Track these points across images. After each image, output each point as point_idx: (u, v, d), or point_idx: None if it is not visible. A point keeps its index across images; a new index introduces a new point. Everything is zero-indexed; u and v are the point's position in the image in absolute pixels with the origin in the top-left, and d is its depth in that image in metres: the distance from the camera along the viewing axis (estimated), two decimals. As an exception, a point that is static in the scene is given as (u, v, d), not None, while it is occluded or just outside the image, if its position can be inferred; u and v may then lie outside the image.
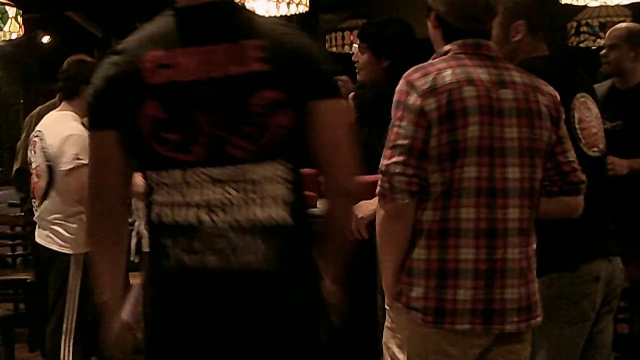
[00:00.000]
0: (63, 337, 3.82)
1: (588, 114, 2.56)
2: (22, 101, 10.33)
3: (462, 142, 2.02)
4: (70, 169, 3.74)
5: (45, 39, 10.02)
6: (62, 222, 3.84)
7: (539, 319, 2.16)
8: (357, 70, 3.30)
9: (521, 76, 2.14)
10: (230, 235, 1.77)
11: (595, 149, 2.57)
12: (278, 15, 4.39)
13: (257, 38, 1.77)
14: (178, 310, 1.82)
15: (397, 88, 2.09)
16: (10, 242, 5.90)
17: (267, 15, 4.30)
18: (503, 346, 2.12)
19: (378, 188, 2.09)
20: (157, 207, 1.84)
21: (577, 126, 2.51)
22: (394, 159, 2.04)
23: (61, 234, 3.83)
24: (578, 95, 2.54)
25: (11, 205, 6.26)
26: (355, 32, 6.57)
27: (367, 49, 3.23)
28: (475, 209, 2.03)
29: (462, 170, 2.02)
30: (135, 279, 4.89)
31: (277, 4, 4.27)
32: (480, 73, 2.07)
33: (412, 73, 2.09)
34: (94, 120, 1.94)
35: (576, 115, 2.51)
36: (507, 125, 2.06)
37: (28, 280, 5.05)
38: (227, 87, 1.75)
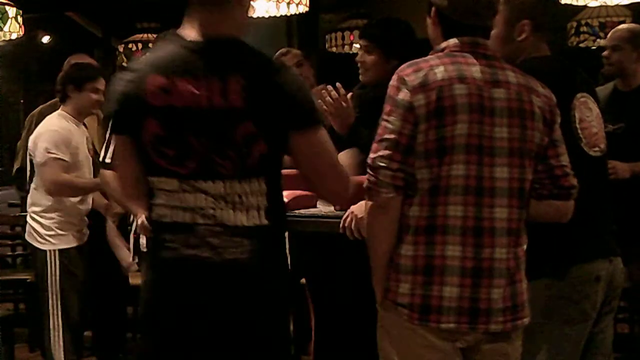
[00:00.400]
0: (52, 334, 3.83)
1: (589, 113, 2.55)
2: (22, 101, 10.33)
3: (450, 139, 2.02)
4: (42, 163, 3.79)
5: (45, 39, 10.01)
6: (38, 218, 3.86)
7: (527, 319, 2.16)
8: (361, 71, 3.27)
9: (516, 76, 2.13)
10: (221, 235, 2.12)
11: (597, 148, 2.56)
12: (278, 15, 4.38)
13: (240, 75, 2.05)
14: (175, 292, 2.15)
15: (390, 83, 2.11)
16: (10, 242, 5.90)
17: (267, 15, 4.30)
18: (491, 346, 2.12)
19: (365, 182, 2.11)
20: (158, 208, 2.17)
21: (577, 126, 2.50)
22: (380, 153, 2.07)
23: (37, 230, 3.86)
24: (578, 95, 2.53)
25: (11, 205, 6.26)
26: (356, 32, 6.57)
27: (374, 49, 3.21)
28: (462, 207, 2.05)
29: (450, 168, 2.03)
30: (136, 279, 4.91)
31: (277, 4, 4.26)
32: (474, 71, 2.08)
33: (405, 68, 2.10)
34: (113, 126, 2.30)
35: (577, 115, 2.50)
36: (497, 124, 2.06)
37: (28, 280, 5.04)
38: (212, 118, 2.06)
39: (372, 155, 2.10)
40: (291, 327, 2.42)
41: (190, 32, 2.13)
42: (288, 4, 4.28)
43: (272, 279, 2.19)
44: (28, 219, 3.95)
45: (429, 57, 2.14)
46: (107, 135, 3.52)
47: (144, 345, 2.34)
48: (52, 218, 3.87)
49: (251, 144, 2.07)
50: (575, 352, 2.51)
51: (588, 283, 2.48)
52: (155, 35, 7.31)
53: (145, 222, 2.60)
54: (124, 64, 7.53)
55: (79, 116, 4.01)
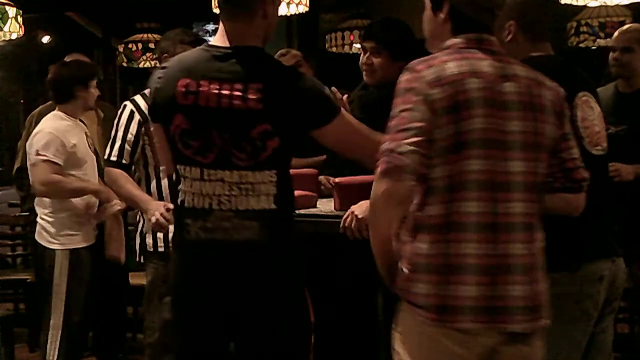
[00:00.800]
0: (50, 332, 3.84)
1: (590, 112, 2.55)
2: (22, 101, 10.32)
3: (467, 134, 1.99)
4: (31, 164, 3.80)
5: (45, 39, 10.00)
6: (48, 218, 3.87)
7: (547, 321, 2.10)
8: (367, 73, 3.24)
9: (525, 70, 2.11)
10: (234, 219, 2.43)
11: (599, 147, 2.56)
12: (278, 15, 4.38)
13: (258, 82, 2.37)
14: (195, 271, 2.50)
15: (402, 78, 2.07)
16: (10, 242, 5.90)
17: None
18: (510, 348, 2.06)
19: (382, 167, 1.99)
20: (182, 194, 2.49)
21: (580, 125, 2.50)
22: (408, 140, 1.97)
23: (47, 229, 3.86)
24: (580, 94, 2.53)
25: (11, 205, 6.26)
26: (356, 32, 6.56)
27: (382, 50, 3.19)
28: (478, 202, 2.00)
29: (467, 163, 1.99)
30: (135, 279, 4.91)
31: (277, 4, 4.26)
32: (484, 66, 2.05)
33: (417, 64, 2.07)
34: (151, 115, 2.64)
35: (579, 113, 2.50)
36: (510, 118, 2.03)
37: (28, 280, 5.05)
38: (232, 117, 2.39)
39: (393, 143, 2.00)
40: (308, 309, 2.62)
41: (219, 40, 2.48)
42: (288, 4, 4.28)
43: (281, 256, 2.46)
44: (38, 219, 3.95)
45: (437, 54, 2.10)
46: (113, 133, 3.53)
47: (175, 320, 2.68)
48: (63, 218, 3.87)
49: (266, 140, 2.39)
50: (577, 352, 2.51)
51: (591, 283, 2.47)
52: (155, 35, 7.33)
53: (161, 219, 3.10)
54: (124, 64, 7.54)
55: (78, 114, 4.02)
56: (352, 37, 6.64)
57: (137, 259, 3.66)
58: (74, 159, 3.90)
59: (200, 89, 2.40)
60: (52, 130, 3.86)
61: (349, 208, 2.80)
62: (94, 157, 4.12)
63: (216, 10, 4.07)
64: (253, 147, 2.40)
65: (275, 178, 2.44)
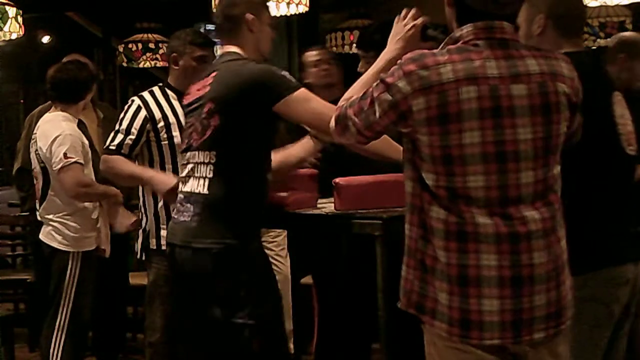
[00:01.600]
0: (55, 333, 3.84)
1: (626, 111, 2.47)
2: (22, 101, 10.32)
3: (457, 149, 1.90)
4: (60, 168, 3.78)
5: (45, 39, 10.01)
6: (63, 221, 3.86)
7: (569, 322, 2.03)
8: None
9: (538, 63, 1.96)
10: (182, 201, 2.80)
11: (632, 147, 2.48)
12: (278, 15, 4.38)
13: (215, 71, 2.79)
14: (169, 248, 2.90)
15: (390, 70, 1.99)
16: (10, 242, 5.90)
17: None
18: (535, 353, 1.98)
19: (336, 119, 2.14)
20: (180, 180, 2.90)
21: (618, 121, 2.40)
22: (356, 119, 2.05)
23: (62, 231, 3.86)
24: (615, 93, 2.45)
25: (11, 205, 6.26)
26: (356, 32, 6.57)
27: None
28: (490, 216, 1.91)
29: (467, 179, 1.91)
30: (135, 279, 4.91)
31: (277, 4, 4.26)
32: (489, 67, 1.91)
33: (409, 62, 1.95)
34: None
35: (617, 110, 2.41)
36: (519, 125, 1.91)
37: (28, 280, 5.05)
38: (196, 104, 2.81)
39: (344, 111, 2.11)
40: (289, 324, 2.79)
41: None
42: (288, 4, 4.28)
43: (208, 242, 2.68)
44: (49, 222, 3.92)
45: (438, 50, 1.98)
46: (117, 126, 3.52)
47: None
48: (76, 221, 3.87)
49: (209, 118, 2.71)
50: (598, 356, 2.43)
51: (619, 286, 2.39)
52: (155, 36, 7.33)
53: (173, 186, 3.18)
54: (124, 64, 7.54)
55: (78, 115, 4.02)
56: (352, 37, 6.64)
57: (139, 257, 3.65)
58: (86, 159, 3.92)
59: (192, 88, 2.91)
60: (72, 132, 3.85)
61: (349, 208, 2.80)
62: (96, 155, 4.12)
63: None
64: (201, 126, 2.74)
65: (214, 160, 2.70)
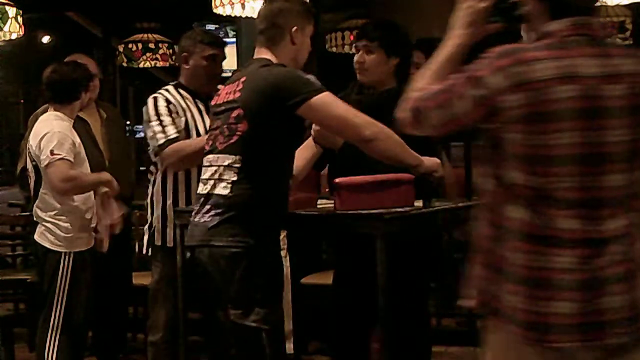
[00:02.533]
0: (49, 334, 3.83)
1: None
2: (22, 101, 10.34)
3: (548, 149, 1.82)
4: (47, 165, 3.79)
5: (45, 39, 10.02)
6: (54, 220, 3.86)
7: None
8: (359, 72, 3.26)
9: (631, 62, 1.87)
10: (204, 202, 2.78)
11: None
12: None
13: (244, 76, 2.78)
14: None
15: (479, 64, 1.89)
16: (10, 242, 5.89)
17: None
18: None
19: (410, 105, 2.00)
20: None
21: None
22: (433, 114, 1.93)
23: (53, 231, 3.86)
24: None
25: (11, 205, 6.26)
26: (356, 32, 6.56)
27: (377, 48, 3.21)
28: (575, 220, 1.85)
29: (556, 180, 1.83)
30: (136, 279, 4.90)
31: (277, 4, 4.26)
32: (585, 66, 1.82)
33: (502, 56, 1.85)
34: None
35: None
36: (613, 127, 1.83)
37: (28, 280, 5.05)
38: (224, 107, 2.81)
39: (422, 102, 1.96)
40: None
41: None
42: (288, 3, 4.27)
43: (228, 241, 2.68)
44: (41, 221, 3.93)
45: (533, 45, 1.88)
46: (155, 119, 3.47)
47: None
48: (68, 221, 3.87)
49: (237, 124, 2.71)
50: None
51: None
52: (155, 36, 7.33)
53: None
54: (124, 64, 7.54)
55: (74, 115, 4.02)
56: (352, 37, 6.63)
57: (145, 252, 3.66)
58: (79, 159, 3.91)
59: (221, 90, 2.93)
60: (61, 130, 3.86)
61: (349, 208, 2.80)
62: (100, 155, 4.12)
63: (216, 11, 4.08)
64: (229, 129, 2.74)
65: (239, 164, 2.70)
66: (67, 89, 3.97)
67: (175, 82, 3.68)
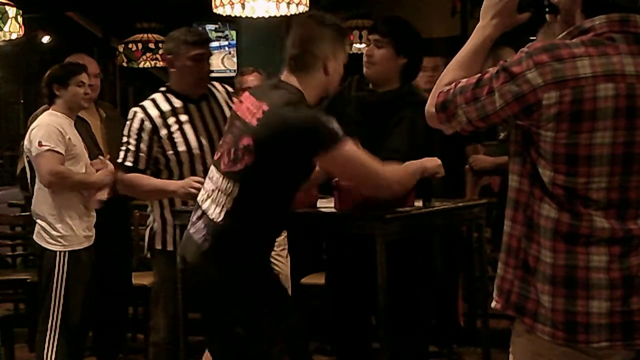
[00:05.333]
0: (47, 334, 3.83)
1: None
2: (22, 101, 10.34)
3: (585, 148, 1.78)
4: (35, 156, 3.80)
5: (45, 39, 10.02)
6: (49, 220, 3.86)
7: None
8: (366, 65, 3.24)
9: None
10: (201, 218, 2.71)
11: None
12: (278, 15, 4.38)
13: (266, 103, 2.61)
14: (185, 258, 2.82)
15: (516, 59, 1.82)
16: (10, 242, 5.89)
17: (267, 15, 4.30)
18: None
19: (438, 105, 1.94)
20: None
21: None
22: (464, 109, 1.87)
23: (48, 230, 3.86)
24: None
25: (11, 205, 6.26)
26: (356, 32, 6.57)
27: (387, 44, 3.20)
28: (606, 219, 1.81)
29: (590, 180, 1.80)
30: (136, 279, 4.89)
31: (277, 4, 4.25)
32: (626, 64, 1.77)
33: (541, 52, 1.79)
34: None
35: None
36: None
37: (28, 280, 5.04)
38: (240, 125, 2.68)
39: (451, 97, 1.91)
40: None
41: None
42: (288, 4, 4.27)
43: (216, 268, 2.65)
44: (38, 219, 3.94)
45: (572, 41, 1.82)
46: (125, 139, 3.44)
47: None
48: (63, 219, 3.87)
49: (245, 153, 2.60)
50: None
51: None
52: (155, 36, 7.33)
53: (191, 189, 3.21)
54: (124, 64, 7.54)
55: (69, 112, 4.01)
56: (352, 37, 6.64)
57: (145, 254, 3.65)
58: (71, 154, 3.90)
59: (242, 104, 2.75)
60: (50, 122, 3.87)
61: (349, 208, 2.80)
62: (100, 154, 4.13)
63: (216, 11, 4.08)
64: (235, 155, 2.64)
65: (236, 192, 2.61)
66: (45, 90, 3.99)
67: (166, 86, 3.59)
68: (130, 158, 3.41)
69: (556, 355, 1.84)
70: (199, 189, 3.06)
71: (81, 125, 4.13)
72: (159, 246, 3.53)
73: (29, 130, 3.93)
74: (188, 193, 3.24)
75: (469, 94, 1.88)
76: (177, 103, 3.48)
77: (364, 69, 3.26)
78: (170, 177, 3.45)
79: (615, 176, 1.80)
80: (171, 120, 3.44)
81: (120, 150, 3.47)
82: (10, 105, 10.39)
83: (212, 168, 2.77)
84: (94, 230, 4.00)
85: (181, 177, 3.41)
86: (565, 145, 1.78)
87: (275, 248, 4.55)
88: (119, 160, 3.46)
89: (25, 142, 3.94)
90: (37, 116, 4.25)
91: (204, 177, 3.00)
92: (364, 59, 3.25)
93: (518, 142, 1.90)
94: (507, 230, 1.93)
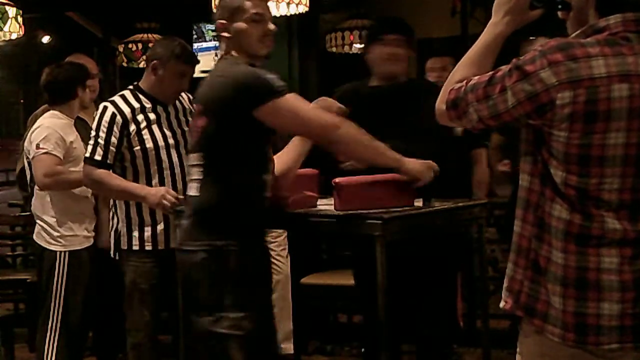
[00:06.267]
0: (47, 334, 3.83)
1: None
2: (22, 101, 10.33)
3: (598, 149, 1.76)
4: (32, 158, 3.80)
5: (45, 39, 10.01)
6: (48, 220, 3.86)
7: None
8: (395, 63, 3.37)
9: None
10: (185, 204, 2.85)
11: None
12: (278, 15, 4.38)
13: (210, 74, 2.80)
14: None
15: (529, 57, 1.80)
16: (10, 242, 5.90)
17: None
18: None
19: (449, 102, 1.93)
20: None
21: None
22: (476, 106, 1.85)
23: (48, 231, 3.86)
24: None
25: (11, 205, 6.26)
26: (356, 32, 6.56)
27: (405, 42, 3.40)
28: (618, 220, 1.80)
29: (602, 181, 1.78)
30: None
31: (277, 4, 4.26)
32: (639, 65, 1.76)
33: (555, 51, 1.77)
34: None
35: None
36: None
37: (28, 280, 5.05)
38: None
39: (463, 95, 1.89)
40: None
41: None
42: (288, 4, 4.28)
43: (197, 245, 2.67)
44: (38, 219, 3.94)
45: (586, 40, 1.80)
46: (94, 133, 3.44)
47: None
48: (63, 219, 3.87)
49: (198, 120, 2.74)
50: None
51: None
52: (155, 36, 7.32)
53: (164, 201, 3.25)
54: (124, 64, 7.53)
55: (72, 113, 4.02)
56: (352, 37, 6.63)
57: (113, 256, 3.59)
58: (72, 156, 3.90)
59: None
60: (50, 125, 3.87)
61: (349, 208, 2.80)
62: None
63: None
64: (195, 127, 2.77)
65: (202, 162, 2.71)
66: (62, 89, 3.98)
67: (134, 85, 3.58)
68: (99, 152, 3.40)
69: (565, 357, 1.83)
70: (171, 203, 3.15)
71: (80, 126, 4.14)
72: (124, 246, 3.50)
73: (30, 132, 3.93)
74: (159, 203, 3.25)
75: (481, 92, 1.86)
76: (147, 103, 3.50)
77: (391, 67, 3.37)
78: (135, 174, 3.44)
79: (628, 177, 1.79)
80: (140, 117, 3.46)
81: (89, 144, 3.46)
82: (10, 105, 10.39)
83: (188, 157, 2.92)
84: (93, 230, 4.00)
85: (146, 174, 3.42)
86: (578, 145, 1.77)
87: (275, 248, 4.58)
88: (87, 155, 3.44)
89: (26, 143, 3.95)
90: (37, 116, 4.26)
91: (169, 175, 3.28)
92: (391, 58, 3.36)
93: (529, 142, 1.89)
94: (518, 231, 1.92)
